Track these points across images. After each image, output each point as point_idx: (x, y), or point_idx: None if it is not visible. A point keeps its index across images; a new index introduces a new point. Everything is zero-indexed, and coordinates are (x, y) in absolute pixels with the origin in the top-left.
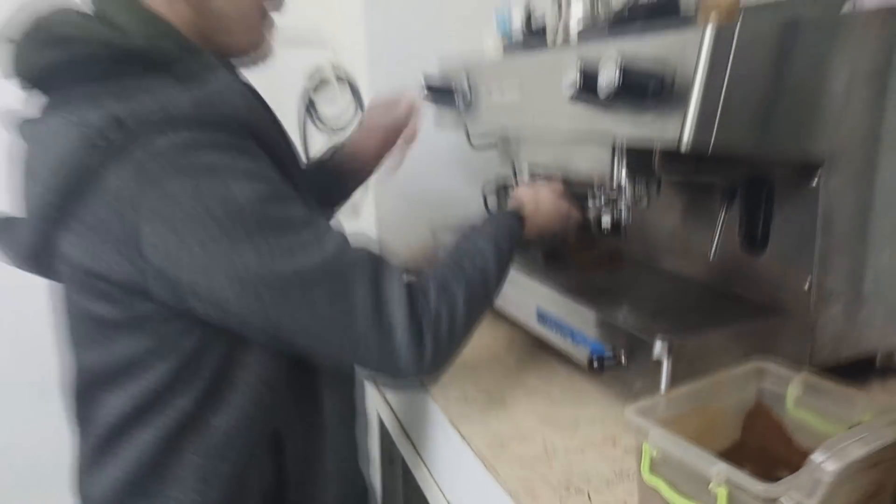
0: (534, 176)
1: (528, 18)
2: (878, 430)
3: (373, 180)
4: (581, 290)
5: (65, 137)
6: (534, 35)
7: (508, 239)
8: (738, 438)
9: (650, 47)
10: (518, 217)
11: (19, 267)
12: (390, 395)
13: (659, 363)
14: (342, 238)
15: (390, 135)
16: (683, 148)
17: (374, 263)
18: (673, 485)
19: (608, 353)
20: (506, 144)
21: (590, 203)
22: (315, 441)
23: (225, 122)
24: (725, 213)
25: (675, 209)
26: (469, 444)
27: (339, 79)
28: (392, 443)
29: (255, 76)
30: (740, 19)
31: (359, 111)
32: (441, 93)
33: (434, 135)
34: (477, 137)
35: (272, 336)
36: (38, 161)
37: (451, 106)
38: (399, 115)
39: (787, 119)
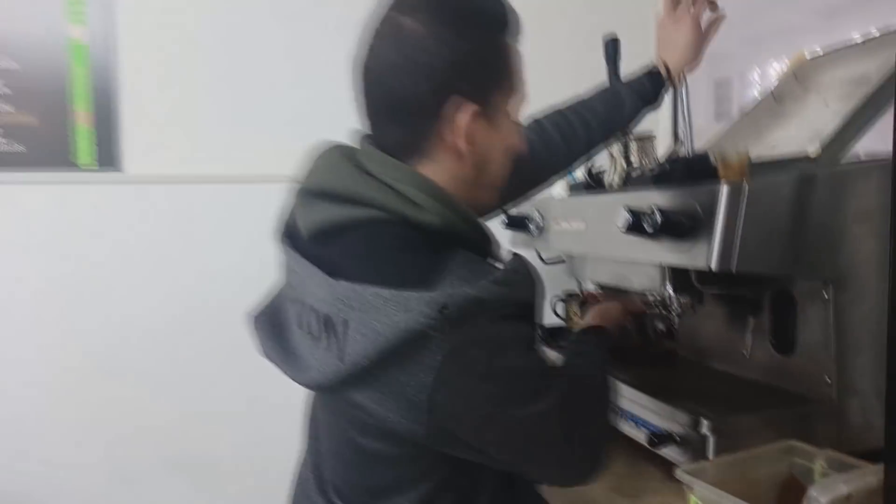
0: (600, 293)
1: (591, 168)
2: (863, 476)
3: None
4: (640, 384)
5: (393, 323)
6: (594, 179)
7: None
8: None
9: (684, 196)
10: (607, 337)
11: (268, 357)
12: None
13: (705, 439)
14: (562, 383)
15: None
16: (713, 269)
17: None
18: None
19: (665, 432)
20: (571, 261)
21: (646, 312)
22: None
23: (520, 304)
24: (755, 320)
25: (716, 317)
26: None
27: None
28: None
29: None
30: (750, 176)
31: None
32: (517, 221)
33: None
34: (548, 255)
35: (512, 464)
36: (347, 332)
37: (525, 232)
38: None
39: (795, 247)
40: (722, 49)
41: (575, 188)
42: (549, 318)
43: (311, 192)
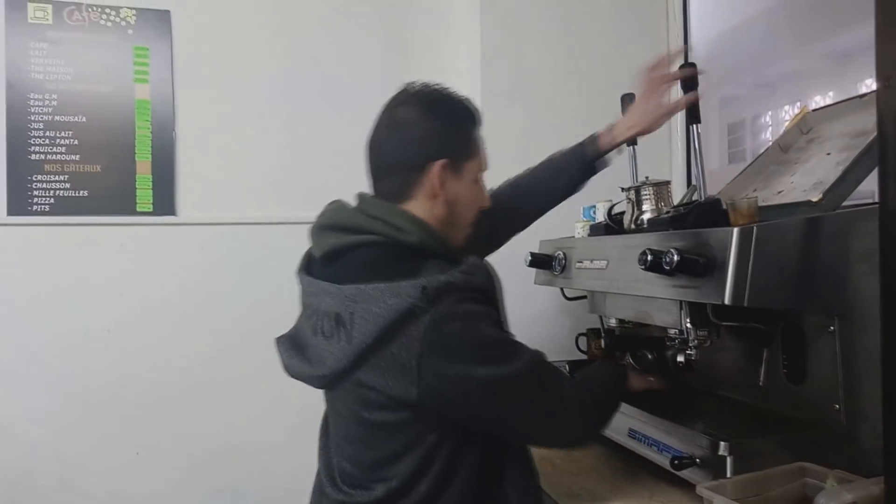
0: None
1: (611, 209)
2: (867, 487)
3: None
4: (662, 412)
5: (389, 305)
6: (614, 221)
7: (621, 391)
8: None
9: (699, 238)
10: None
11: (292, 372)
12: None
13: (724, 460)
14: (541, 353)
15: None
16: (727, 303)
17: (558, 369)
18: None
19: (686, 455)
20: (593, 298)
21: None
22: None
23: (480, 289)
24: (768, 352)
25: (732, 350)
26: None
27: None
28: None
29: None
30: (758, 220)
31: None
32: (542, 260)
33: (535, 290)
34: (571, 292)
35: (502, 424)
36: (361, 322)
37: (548, 270)
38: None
39: (802, 284)
40: (735, 93)
41: (595, 229)
42: (573, 353)
43: (322, 227)
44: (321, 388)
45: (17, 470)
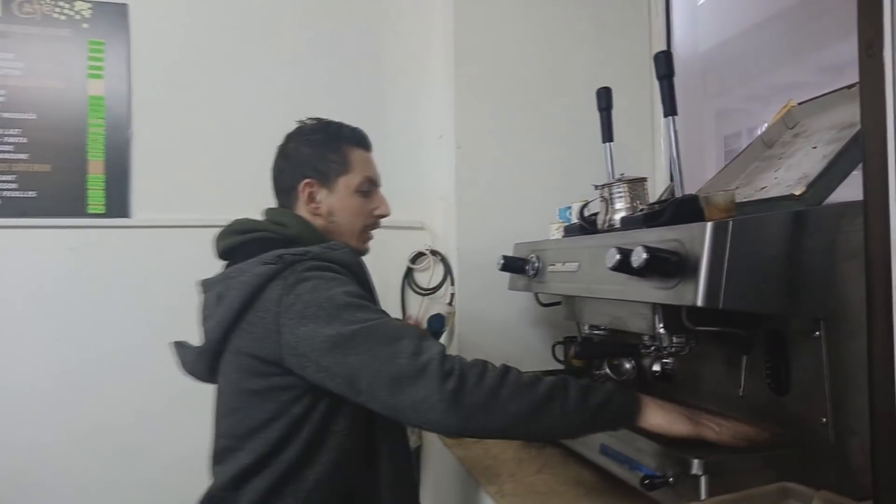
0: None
1: (583, 209)
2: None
3: None
4: (636, 427)
5: (253, 271)
6: (587, 221)
7: (603, 406)
8: None
9: (671, 234)
10: (634, 402)
11: (189, 369)
12: None
13: (697, 479)
14: (399, 320)
15: None
16: (699, 304)
17: (421, 331)
18: None
19: (658, 474)
20: (569, 304)
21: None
22: None
23: (336, 261)
24: (747, 359)
25: (711, 358)
26: None
27: (433, 253)
28: None
29: (371, 251)
30: (735, 215)
31: (449, 278)
32: (516, 264)
33: (510, 295)
34: (545, 297)
35: (349, 382)
36: (230, 290)
37: (522, 274)
38: None
39: (784, 285)
40: (731, 105)
41: (569, 230)
42: (550, 363)
43: (221, 233)
44: (208, 370)
45: None
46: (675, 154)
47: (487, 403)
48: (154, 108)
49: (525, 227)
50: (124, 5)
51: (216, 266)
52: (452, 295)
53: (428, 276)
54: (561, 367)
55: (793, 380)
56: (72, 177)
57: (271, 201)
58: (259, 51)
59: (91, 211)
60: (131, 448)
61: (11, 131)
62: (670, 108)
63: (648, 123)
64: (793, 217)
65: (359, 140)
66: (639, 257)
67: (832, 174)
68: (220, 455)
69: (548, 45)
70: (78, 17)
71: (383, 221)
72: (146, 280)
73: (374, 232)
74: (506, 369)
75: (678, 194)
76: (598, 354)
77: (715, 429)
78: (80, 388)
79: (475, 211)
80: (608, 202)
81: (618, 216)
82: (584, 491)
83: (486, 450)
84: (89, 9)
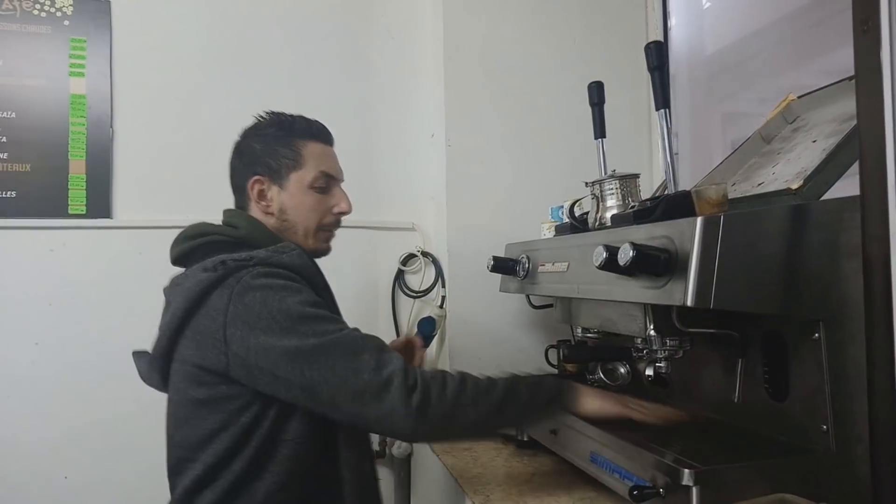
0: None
1: (573, 207)
2: None
3: None
4: (626, 433)
5: (195, 278)
6: (578, 221)
7: (545, 398)
8: None
9: (660, 231)
10: (565, 393)
11: (145, 378)
12: None
13: (689, 490)
14: (359, 331)
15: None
16: (689, 303)
17: (381, 342)
18: None
19: (648, 484)
20: (560, 306)
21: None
22: None
23: (284, 265)
24: (743, 363)
25: (707, 362)
26: None
27: (424, 255)
28: None
29: (360, 252)
30: (727, 210)
31: (440, 280)
32: (506, 265)
33: (502, 297)
34: (537, 299)
35: (309, 394)
36: (175, 298)
37: (513, 275)
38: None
39: (779, 283)
40: (738, 109)
41: (561, 229)
42: (543, 368)
43: (176, 239)
44: (161, 379)
45: None
46: (667, 148)
47: (450, 413)
48: (137, 107)
49: (518, 227)
50: (107, 2)
51: None
52: (443, 297)
53: (419, 278)
54: (555, 371)
55: (792, 385)
56: (52, 177)
57: None
58: (245, 49)
59: (72, 211)
60: (112, 450)
61: None
62: (662, 101)
63: (646, 120)
64: (789, 212)
65: (314, 133)
66: (625, 255)
67: (831, 167)
68: (175, 467)
69: (540, 40)
70: (59, 13)
71: (375, 222)
72: (128, 281)
73: (366, 233)
74: (463, 378)
75: (671, 190)
76: (588, 358)
77: (641, 410)
78: (60, 389)
79: (466, 211)
80: (599, 199)
81: (609, 214)
82: (574, 500)
83: (475, 458)
84: (70, 5)
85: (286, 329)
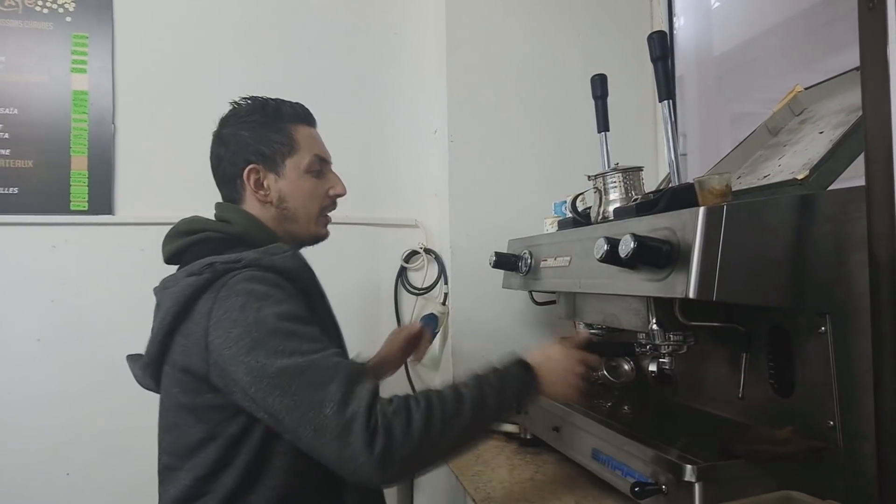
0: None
1: (575, 201)
2: None
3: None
4: (629, 430)
5: (183, 282)
6: (581, 215)
7: (513, 398)
8: None
9: (662, 222)
10: (531, 385)
11: (140, 382)
12: None
13: (691, 487)
14: (336, 354)
15: (406, 350)
16: (691, 296)
17: (354, 372)
18: None
19: (650, 481)
20: (564, 301)
21: (637, 352)
22: None
23: (276, 268)
24: (747, 358)
25: (712, 357)
26: None
27: (427, 252)
28: None
29: (363, 249)
30: (731, 200)
31: (443, 277)
32: (508, 261)
33: (505, 294)
34: (540, 295)
35: (274, 420)
36: (164, 301)
37: (515, 271)
38: (411, 337)
39: (784, 276)
40: (746, 109)
41: (563, 224)
42: None
43: (168, 235)
44: (155, 383)
45: None
46: (671, 140)
47: (418, 451)
48: (139, 103)
49: (521, 223)
50: None
51: None
52: (446, 294)
53: (422, 275)
54: None
55: (798, 380)
56: (55, 173)
57: None
58: (248, 45)
59: (74, 208)
60: (113, 447)
61: None
62: (665, 92)
63: (652, 114)
64: (795, 202)
65: (302, 116)
66: (626, 246)
67: (838, 157)
68: (162, 472)
69: (543, 35)
70: (61, 10)
71: (377, 219)
72: (129, 278)
73: (368, 230)
74: (429, 403)
75: (675, 182)
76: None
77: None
78: (61, 385)
79: (469, 206)
80: (602, 193)
81: (612, 207)
82: (576, 498)
83: (477, 456)
84: (73, 2)
85: (256, 341)
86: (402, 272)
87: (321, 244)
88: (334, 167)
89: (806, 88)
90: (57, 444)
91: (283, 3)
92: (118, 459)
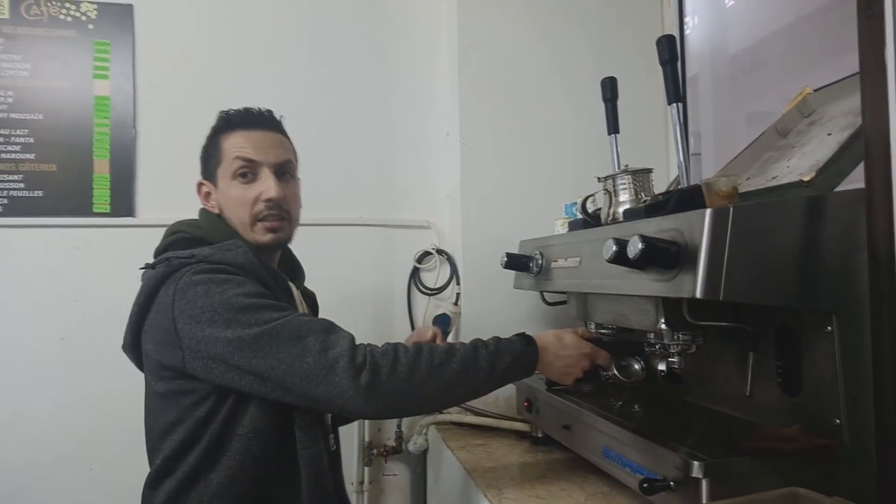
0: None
1: (585, 202)
2: None
3: None
4: (637, 427)
5: (146, 275)
6: (591, 216)
7: (508, 364)
8: None
9: (670, 223)
10: (530, 357)
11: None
12: None
13: (698, 483)
14: (306, 315)
15: None
16: (698, 295)
17: (329, 324)
18: None
19: (658, 477)
20: (575, 301)
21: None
22: None
23: (227, 262)
24: (754, 357)
25: (725, 356)
26: None
27: (439, 252)
28: None
29: (376, 250)
30: (738, 202)
31: (455, 278)
32: (519, 261)
33: (516, 294)
34: (551, 296)
35: (261, 380)
36: (138, 292)
37: (526, 272)
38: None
39: (791, 276)
40: (762, 108)
41: (573, 225)
42: None
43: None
44: (138, 365)
45: None
46: (680, 142)
47: (402, 389)
48: (159, 108)
49: (532, 224)
50: (129, 6)
51: None
52: (458, 295)
53: (434, 275)
54: None
55: (805, 378)
56: (77, 176)
57: None
58: (265, 50)
59: (96, 210)
60: (136, 443)
61: (19, 131)
62: (674, 95)
63: (663, 117)
64: (801, 203)
65: (234, 122)
66: (635, 248)
67: (844, 159)
68: (148, 453)
69: (554, 38)
70: (84, 18)
71: (390, 220)
72: None
73: (381, 231)
74: (418, 351)
75: (684, 184)
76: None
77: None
78: (84, 383)
79: (481, 208)
80: (612, 195)
81: (621, 209)
82: (586, 495)
83: (489, 453)
84: (95, 10)
85: (228, 320)
86: (415, 273)
87: (336, 244)
88: (345, 168)
89: (815, 90)
90: (81, 439)
91: (300, 11)
92: (140, 453)
